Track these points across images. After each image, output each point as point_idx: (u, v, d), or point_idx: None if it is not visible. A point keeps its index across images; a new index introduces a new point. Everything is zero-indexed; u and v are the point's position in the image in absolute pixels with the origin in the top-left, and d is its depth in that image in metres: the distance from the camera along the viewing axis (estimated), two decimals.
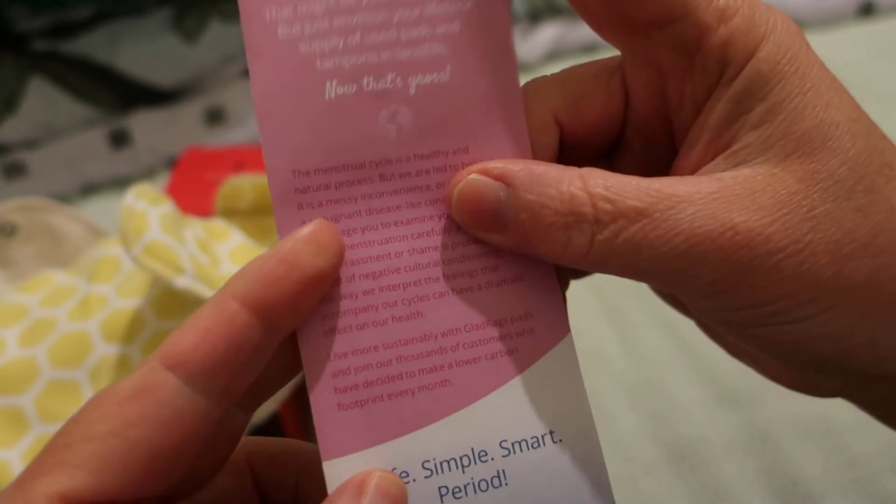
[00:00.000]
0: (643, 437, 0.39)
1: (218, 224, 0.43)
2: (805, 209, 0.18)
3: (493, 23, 0.20)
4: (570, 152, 0.22)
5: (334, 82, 0.20)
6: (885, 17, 0.69)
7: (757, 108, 0.19)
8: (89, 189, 0.64)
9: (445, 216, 0.20)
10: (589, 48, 0.69)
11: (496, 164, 0.19)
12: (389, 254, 0.20)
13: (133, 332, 0.36)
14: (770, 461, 0.37)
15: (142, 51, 0.65)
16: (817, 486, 0.36)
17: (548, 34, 0.69)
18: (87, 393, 0.35)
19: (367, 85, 0.20)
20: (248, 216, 0.45)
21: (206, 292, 0.35)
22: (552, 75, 0.21)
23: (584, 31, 0.69)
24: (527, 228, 0.19)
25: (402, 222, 0.20)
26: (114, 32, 0.65)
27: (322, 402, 0.19)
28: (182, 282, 0.34)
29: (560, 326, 0.21)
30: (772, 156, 0.19)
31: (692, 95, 0.20)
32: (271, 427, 0.36)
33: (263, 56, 0.19)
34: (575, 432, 0.20)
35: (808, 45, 0.20)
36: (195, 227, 0.40)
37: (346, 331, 0.19)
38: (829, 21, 0.69)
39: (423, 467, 0.19)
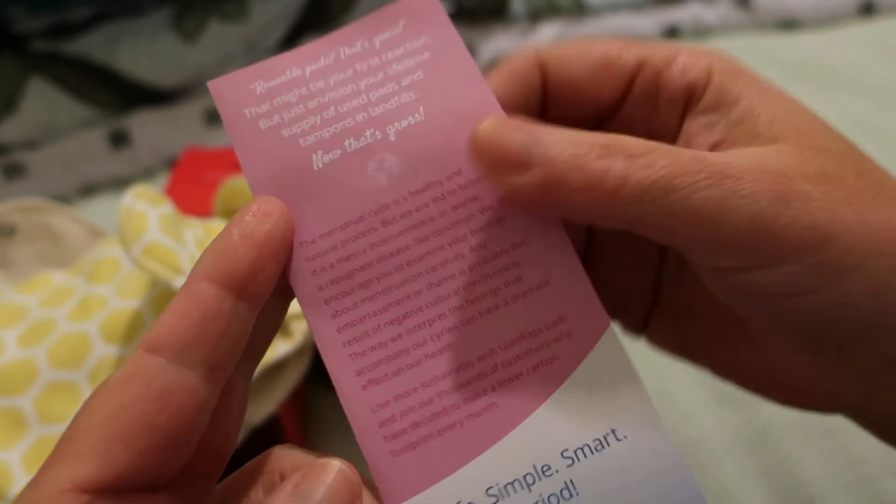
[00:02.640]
0: None
1: (217, 225, 0.43)
2: (816, 166, 0.19)
3: (453, 59, 0.22)
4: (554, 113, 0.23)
5: (319, 153, 0.21)
6: (885, 17, 0.69)
7: (732, 111, 0.21)
8: (89, 189, 0.63)
9: (457, 242, 0.20)
10: None
11: (519, 121, 0.20)
12: (409, 295, 0.20)
13: (133, 332, 0.36)
14: (770, 462, 0.37)
15: (142, 51, 0.65)
16: (817, 488, 0.36)
17: (548, 34, 0.69)
18: (87, 394, 0.35)
19: (350, 146, 0.21)
20: None
21: None
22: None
23: (584, 31, 0.69)
24: (559, 161, 0.18)
25: (413, 259, 0.20)
26: (113, 33, 0.65)
27: (374, 452, 0.19)
28: (181, 283, 0.34)
29: (597, 321, 0.20)
30: (761, 142, 0.20)
31: (663, 129, 0.22)
32: (270, 427, 0.36)
33: (250, 148, 0.21)
34: (638, 424, 0.19)
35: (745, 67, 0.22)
36: (195, 228, 0.40)
37: (383, 380, 0.19)
38: (828, 20, 0.69)
39: (488, 494, 0.19)
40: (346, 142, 0.21)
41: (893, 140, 0.53)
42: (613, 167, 0.18)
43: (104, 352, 0.36)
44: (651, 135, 0.21)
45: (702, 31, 0.70)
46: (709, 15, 0.70)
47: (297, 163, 0.21)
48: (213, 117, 0.65)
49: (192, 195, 0.55)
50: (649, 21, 0.70)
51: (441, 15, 0.22)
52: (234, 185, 0.44)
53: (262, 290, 0.19)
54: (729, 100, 0.21)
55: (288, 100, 0.21)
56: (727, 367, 0.25)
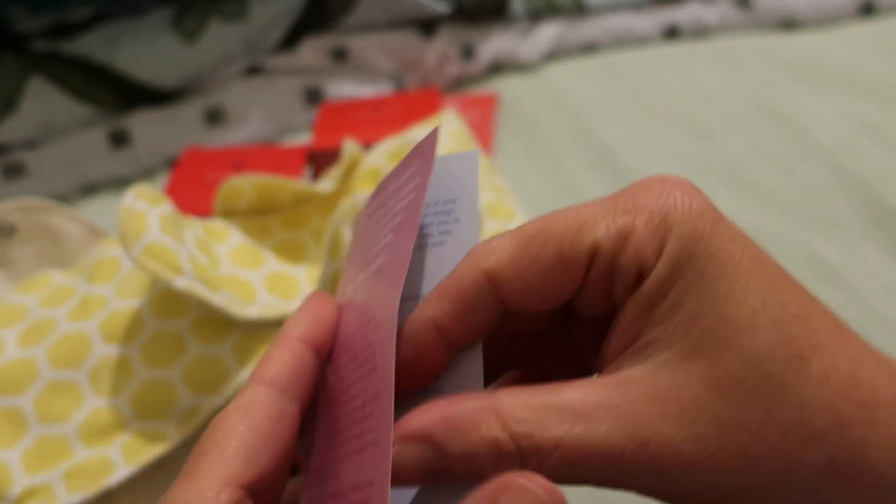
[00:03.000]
0: None
1: (217, 224, 0.43)
2: (709, 415, 0.19)
3: (407, 210, 0.23)
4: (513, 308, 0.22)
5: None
6: (885, 17, 0.69)
7: (660, 307, 0.20)
8: (89, 189, 0.63)
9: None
10: (589, 47, 0.69)
11: (413, 426, 0.20)
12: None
13: (132, 332, 0.36)
14: None
15: (141, 51, 0.65)
16: None
17: (548, 34, 0.68)
18: (87, 394, 0.35)
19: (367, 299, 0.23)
20: (247, 216, 0.45)
21: (206, 293, 0.35)
22: (500, 242, 0.22)
23: (584, 31, 0.69)
24: (461, 475, 0.19)
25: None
26: (113, 32, 0.65)
27: None
28: (181, 282, 0.34)
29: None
30: (673, 354, 0.19)
31: (622, 301, 0.21)
32: None
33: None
34: None
35: (719, 221, 0.21)
36: (194, 228, 0.40)
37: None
38: (828, 20, 0.69)
39: None
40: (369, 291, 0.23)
41: (894, 140, 0.53)
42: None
43: (104, 351, 0.36)
44: (612, 307, 0.21)
45: (702, 31, 0.70)
46: (709, 15, 0.70)
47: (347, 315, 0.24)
48: (213, 117, 0.65)
49: (192, 195, 0.55)
50: (649, 21, 0.70)
51: (429, 161, 0.23)
52: (234, 185, 0.44)
53: (326, 356, 0.24)
54: (662, 292, 0.20)
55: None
56: None
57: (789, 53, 0.65)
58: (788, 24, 0.70)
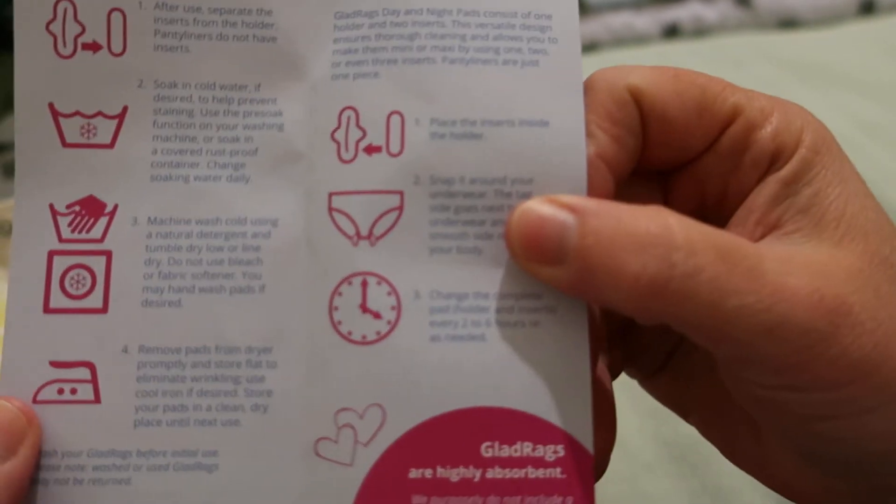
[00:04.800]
0: (644, 435, 0.39)
1: None
2: (873, 288, 0.18)
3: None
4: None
5: None
6: (885, 16, 0.69)
7: (803, 193, 0.19)
8: None
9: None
10: (589, 46, 0.69)
11: (564, 196, 0.19)
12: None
13: None
14: None
15: None
16: None
17: None
18: None
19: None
20: None
21: None
22: None
23: (584, 30, 0.69)
24: (592, 253, 0.18)
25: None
26: None
27: None
28: None
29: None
30: (825, 239, 0.19)
31: (738, 188, 0.20)
32: None
33: None
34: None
35: (833, 136, 0.20)
36: None
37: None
38: (828, 19, 0.69)
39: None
40: None
41: (894, 140, 0.53)
42: (652, 266, 0.17)
43: None
44: (722, 191, 0.21)
45: (702, 30, 0.70)
46: (709, 13, 0.70)
47: None
48: None
49: None
50: (649, 19, 0.70)
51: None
52: None
53: None
54: (805, 179, 0.19)
55: None
56: (717, 439, 0.24)
57: (789, 52, 0.65)
58: (788, 22, 0.70)
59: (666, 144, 0.21)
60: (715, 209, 0.21)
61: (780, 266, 0.18)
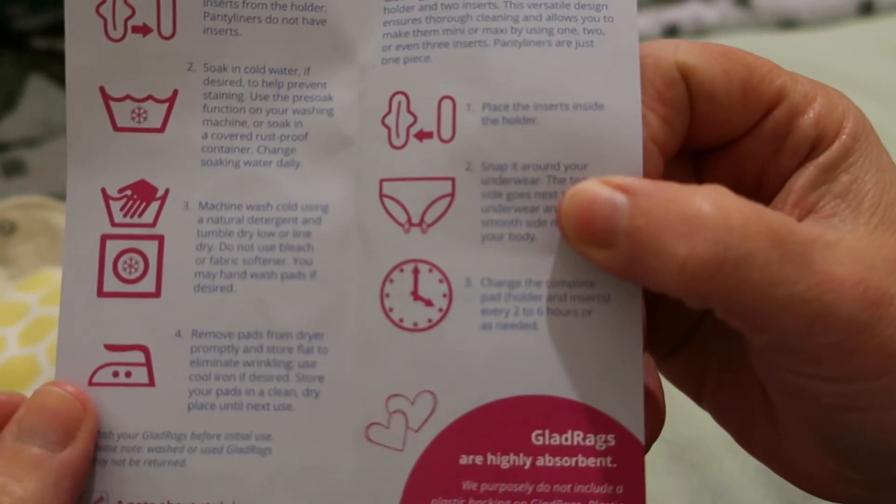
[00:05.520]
0: None
1: None
2: None
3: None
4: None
5: None
6: (885, 16, 0.69)
7: (840, 179, 0.19)
8: None
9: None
10: None
11: (617, 178, 0.18)
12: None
13: None
14: None
15: None
16: None
17: None
18: None
19: None
20: None
21: None
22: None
23: None
24: (642, 235, 0.17)
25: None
26: None
27: None
28: None
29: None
30: (862, 223, 0.19)
31: (776, 172, 0.20)
32: None
33: None
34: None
35: (871, 124, 0.21)
36: None
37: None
38: (828, 19, 0.69)
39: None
40: None
41: (894, 140, 0.53)
42: (701, 250, 0.17)
43: None
44: (760, 175, 0.21)
45: (701, 31, 0.70)
46: (708, 14, 0.70)
47: None
48: None
49: None
50: (649, 20, 0.70)
51: None
52: None
53: None
54: (843, 166, 0.19)
55: None
56: (731, 424, 0.24)
57: (789, 53, 0.65)
58: (788, 23, 0.70)
59: (709, 124, 0.20)
60: (751, 192, 0.20)
61: (827, 254, 0.18)
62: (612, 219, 0.18)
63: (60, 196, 0.62)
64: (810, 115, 0.20)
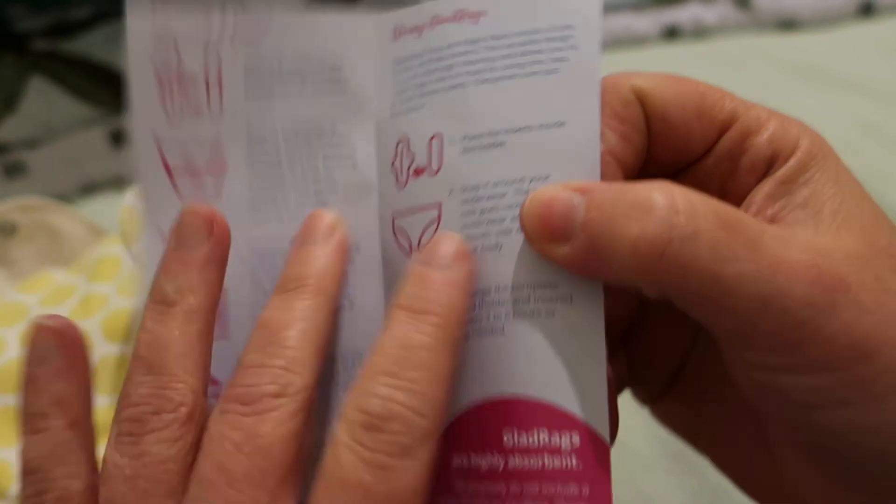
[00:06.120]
0: (643, 435, 0.39)
1: None
2: (873, 271, 0.18)
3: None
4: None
5: None
6: (885, 17, 0.69)
7: (800, 192, 0.20)
8: (89, 188, 0.63)
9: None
10: None
11: (574, 181, 0.20)
12: None
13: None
14: None
15: None
16: None
17: None
18: None
19: None
20: None
21: None
22: None
23: None
24: (596, 224, 0.18)
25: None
26: (114, 32, 0.65)
27: None
28: None
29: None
30: (823, 229, 0.19)
31: (737, 190, 0.21)
32: None
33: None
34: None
35: (830, 146, 0.21)
36: None
37: None
38: (828, 20, 0.70)
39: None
40: None
41: (894, 140, 0.53)
42: (651, 229, 0.17)
43: (105, 350, 0.36)
44: (722, 194, 0.21)
45: (701, 32, 0.70)
46: (708, 15, 0.70)
47: None
48: None
49: None
50: (649, 21, 0.70)
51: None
52: None
53: None
54: (803, 178, 0.20)
55: None
56: (730, 463, 0.24)
57: (789, 53, 0.65)
58: (788, 24, 0.70)
59: (667, 145, 0.21)
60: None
61: (779, 241, 0.18)
62: (569, 215, 0.19)
63: (61, 197, 0.62)
64: (764, 136, 0.21)
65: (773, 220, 0.20)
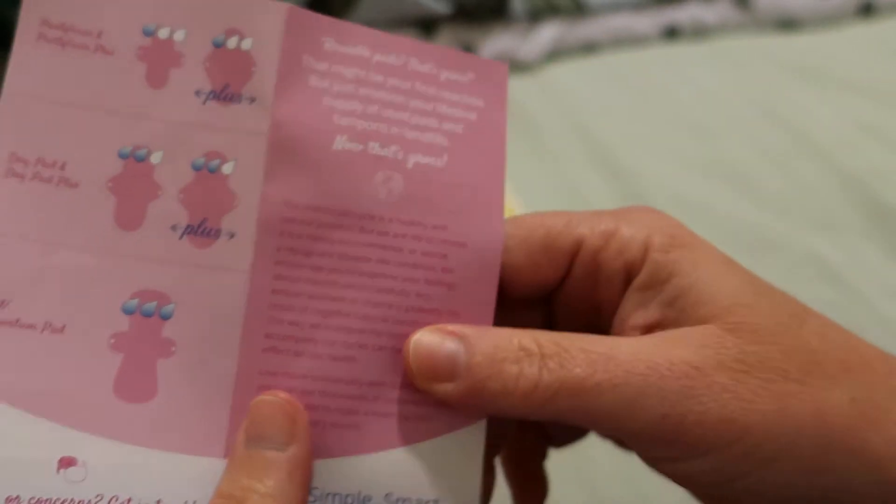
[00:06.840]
0: None
1: None
2: (734, 351, 0.19)
3: (490, 137, 0.23)
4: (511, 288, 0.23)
5: (344, 137, 0.22)
6: (885, 17, 0.69)
7: (665, 291, 0.21)
8: None
9: (410, 281, 0.22)
10: (589, 48, 0.69)
11: (450, 325, 0.21)
12: (346, 298, 0.21)
13: None
14: None
15: None
16: None
17: (548, 34, 0.69)
18: None
19: (372, 149, 0.22)
20: None
21: None
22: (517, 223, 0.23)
23: (584, 31, 0.69)
24: (481, 368, 0.20)
25: (367, 273, 0.21)
26: None
27: (243, 406, 0.20)
28: None
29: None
30: (690, 324, 0.20)
31: (607, 301, 0.22)
32: None
33: (290, 95, 0.22)
34: None
35: (691, 231, 0.22)
36: None
37: (283, 353, 0.21)
38: (828, 20, 0.70)
39: (310, 493, 0.20)
40: (371, 144, 0.22)
41: (893, 140, 0.53)
42: (526, 371, 0.19)
43: None
44: (595, 307, 0.23)
45: (701, 31, 0.70)
46: (708, 15, 0.70)
47: (321, 133, 0.22)
48: None
49: None
50: (649, 21, 0.70)
51: (502, 92, 0.24)
52: None
53: None
54: (662, 277, 0.21)
55: (344, 74, 0.22)
56: None
57: (789, 53, 0.65)
58: (788, 24, 0.70)
59: (520, 281, 0.23)
60: (596, 321, 0.23)
61: (634, 349, 0.19)
62: (453, 359, 0.20)
63: None
64: (610, 251, 0.22)
65: (650, 326, 0.21)
